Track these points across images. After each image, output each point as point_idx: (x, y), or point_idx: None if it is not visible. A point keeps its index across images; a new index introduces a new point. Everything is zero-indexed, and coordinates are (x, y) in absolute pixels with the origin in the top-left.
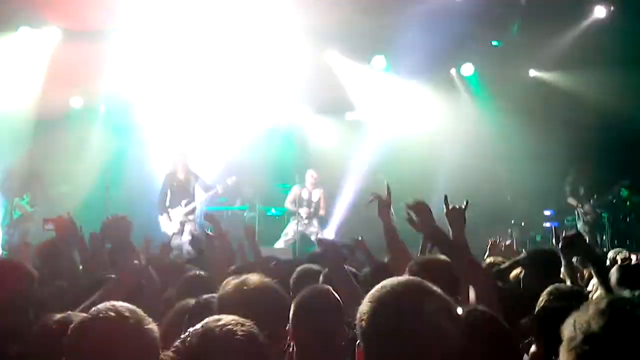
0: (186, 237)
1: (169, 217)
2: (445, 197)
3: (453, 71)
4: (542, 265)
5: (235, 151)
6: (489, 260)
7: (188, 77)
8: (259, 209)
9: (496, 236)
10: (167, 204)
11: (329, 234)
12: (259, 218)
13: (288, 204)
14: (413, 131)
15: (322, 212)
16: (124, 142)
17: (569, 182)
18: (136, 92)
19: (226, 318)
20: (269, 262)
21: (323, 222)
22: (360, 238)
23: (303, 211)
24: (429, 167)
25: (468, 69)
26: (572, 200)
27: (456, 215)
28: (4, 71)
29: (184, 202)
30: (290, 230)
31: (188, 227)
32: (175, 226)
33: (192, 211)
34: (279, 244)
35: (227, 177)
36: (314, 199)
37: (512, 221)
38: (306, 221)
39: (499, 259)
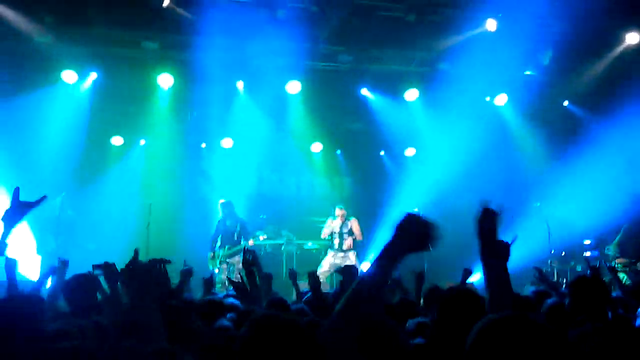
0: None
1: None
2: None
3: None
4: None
5: (271, 185)
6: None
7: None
8: (296, 242)
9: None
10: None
11: (366, 266)
12: (296, 251)
13: (323, 237)
14: (449, 163)
15: (357, 237)
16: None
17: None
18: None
19: None
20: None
21: (360, 254)
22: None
23: (335, 242)
24: (465, 199)
25: (502, 98)
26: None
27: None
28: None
29: (226, 246)
30: (326, 263)
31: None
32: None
33: (234, 254)
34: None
35: (260, 213)
36: (345, 229)
37: (552, 251)
38: (342, 254)
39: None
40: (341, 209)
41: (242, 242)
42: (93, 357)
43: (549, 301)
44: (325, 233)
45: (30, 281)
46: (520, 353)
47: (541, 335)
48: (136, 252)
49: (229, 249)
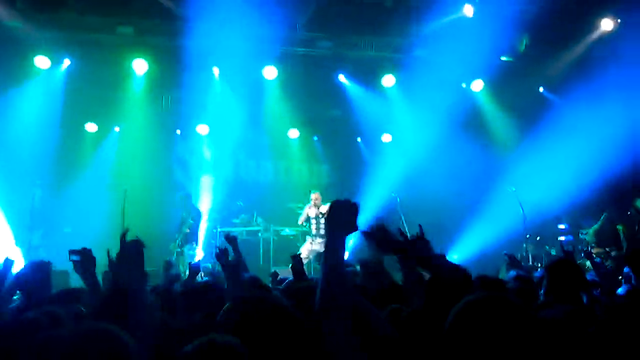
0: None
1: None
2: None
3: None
4: None
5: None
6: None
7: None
8: (272, 229)
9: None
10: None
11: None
12: (273, 238)
13: (300, 223)
14: (425, 149)
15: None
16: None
17: (595, 232)
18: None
19: None
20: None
21: None
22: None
23: (313, 228)
24: (441, 185)
25: (478, 84)
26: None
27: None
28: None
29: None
30: (305, 250)
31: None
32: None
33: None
34: None
35: (237, 199)
36: (321, 216)
37: (527, 236)
38: (320, 239)
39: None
40: (315, 193)
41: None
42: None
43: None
44: (301, 219)
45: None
46: (495, 331)
47: (513, 314)
48: (124, 233)
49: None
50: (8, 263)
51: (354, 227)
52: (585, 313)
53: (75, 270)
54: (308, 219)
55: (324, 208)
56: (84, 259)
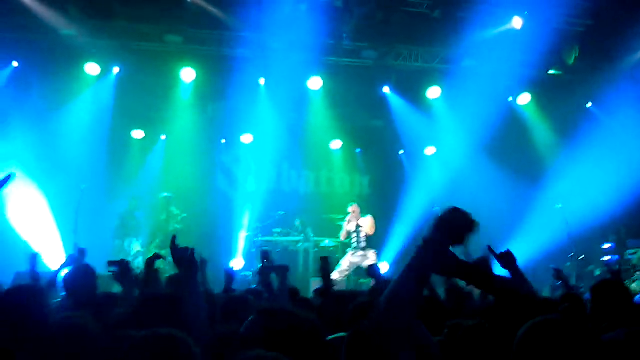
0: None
1: None
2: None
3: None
4: None
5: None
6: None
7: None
8: (312, 240)
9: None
10: None
11: (384, 266)
12: (313, 249)
13: (342, 239)
14: (469, 163)
15: (367, 231)
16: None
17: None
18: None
19: None
20: None
21: (379, 253)
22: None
23: (353, 240)
24: (484, 199)
25: (524, 98)
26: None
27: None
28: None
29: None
30: (345, 262)
31: None
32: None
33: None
34: (334, 276)
35: (278, 209)
36: (360, 228)
37: (571, 254)
38: (361, 252)
39: None
40: (353, 205)
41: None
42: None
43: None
44: (343, 235)
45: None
46: (563, 354)
47: (581, 337)
48: (174, 238)
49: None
50: (34, 259)
51: (460, 242)
52: None
53: (114, 278)
54: (349, 233)
55: (364, 221)
56: (121, 270)
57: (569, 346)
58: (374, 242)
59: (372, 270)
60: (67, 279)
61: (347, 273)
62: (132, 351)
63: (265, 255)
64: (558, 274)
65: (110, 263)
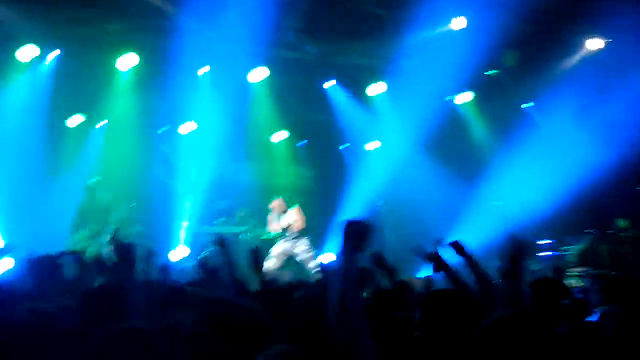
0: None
1: None
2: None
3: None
4: None
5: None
6: None
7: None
8: (257, 232)
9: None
10: None
11: (330, 256)
12: (253, 240)
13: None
14: (409, 159)
15: (296, 225)
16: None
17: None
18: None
19: None
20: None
21: (319, 245)
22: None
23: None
24: (424, 194)
25: (463, 97)
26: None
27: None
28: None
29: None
30: (275, 250)
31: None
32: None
33: None
34: (267, 265)
35: (219, 200)
36: (288, 220)
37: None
38: (293, 239)
39: None
40: (275, 201)
41: None
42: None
43: None
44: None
45: None
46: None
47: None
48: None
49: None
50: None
51: (368, 247)
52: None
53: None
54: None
55: (289, 216)
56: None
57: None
58: (316, 234)
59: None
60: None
61: (277, 262)
62: (103, 347)
63: (220, 242)
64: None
65: (63, 254)
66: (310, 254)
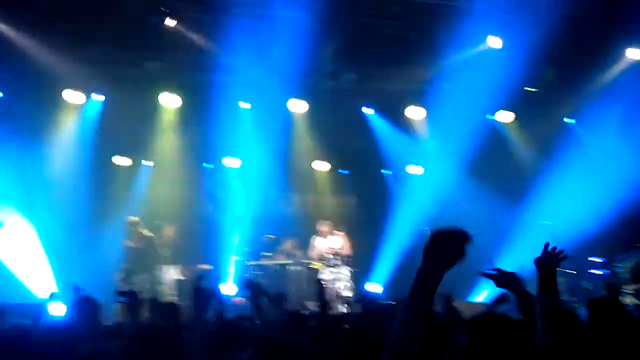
0: None
1: None
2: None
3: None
4: None
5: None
6: None
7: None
8: (303, 262)
9: None
10: None
11: (376, 288)
12: (303, 270)
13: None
14: (453, 182)
15: (344, 251)
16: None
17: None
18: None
19: None
20: None
21: (365, 274)
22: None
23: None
24: (470, 217)
25: (504, 115)
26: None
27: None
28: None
29: None
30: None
31: None
32: None
33: None
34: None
35: (266, 233)
36: (335, 245)
37: (563, 270)
38: (335, 269)
39: None
40: (323, 224)
41: None
42: None
43: None
44: (314, 256)
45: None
46: None
47: None
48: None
49: None
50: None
51: (460, 258)
52: None
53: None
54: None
55: (334, 240)
56: (131, 299)
57: None
58: (361, 262)
59: (364, 296)
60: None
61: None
62: None
63: (250, 285)
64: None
65: (120, 294)
66: (350, 283)
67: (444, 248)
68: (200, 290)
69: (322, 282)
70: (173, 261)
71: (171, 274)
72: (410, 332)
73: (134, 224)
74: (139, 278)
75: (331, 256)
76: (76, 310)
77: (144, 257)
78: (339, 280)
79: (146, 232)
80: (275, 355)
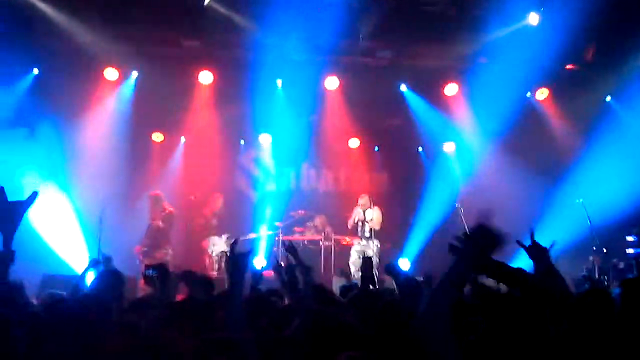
0: None
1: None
2: (532, 232)
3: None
4: None
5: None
6: None
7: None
8: (333, 238)
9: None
10: None
11: (405, 262)
12: (334, 247)
13: (349, 226)
14: (488, 159)
15: (373, 225)
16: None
17: None
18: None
19: None
20: None
21: (399, 249)
22: None
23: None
24: (504, 194)
25: (542, 93)
26: None
27: (540, 254)
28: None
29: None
30: (353, 252)
31: None
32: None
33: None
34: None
35: (298, 208)
36: (368, 217)
37: (594, 248)
38: (364, 242)
39: None
40: (363, 197)
41: None
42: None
43: None
44: (350, 223)
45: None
46: None
47: None
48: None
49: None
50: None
51: (485, 260)
52: None
53: (147, 282)
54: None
55: (371, 212)
56: (160, 272)
57: None
58: (391, 237)
59: (391, 268)
60: (94, 285)
61: (357, 262)
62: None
63: (290, 250)
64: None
65: (149, 267)
66: (376, 257)
67: (482, 243)
68: (237, 261)
69: (369, 258)
70: (219, 232)
71: (219, 246)
72: (438, 312)
73: (156, 199)
74: (161, 252)
75: (368, 227)
76: (101, 282)
77: (165, 232)
78: (372, 251)
79: (167, 207)
80: (318, 327)
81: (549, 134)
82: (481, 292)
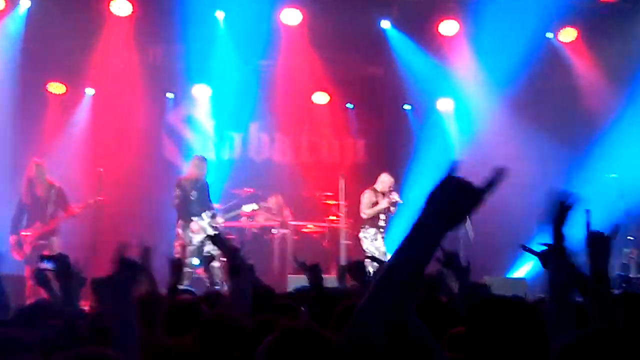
0: None
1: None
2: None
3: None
4: None
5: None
6: None
7: None
8: (292, 224)
9: None
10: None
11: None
12: (292, 236)
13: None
14: (496, 120)
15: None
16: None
17: None
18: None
19: None
20: None
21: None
22: None
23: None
24: (516, 167)
25: (568, 34)
26: None
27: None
28: None
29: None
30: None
31: None
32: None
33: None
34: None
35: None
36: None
37: (631, 237)
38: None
39: None
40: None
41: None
42: None
43: None
44: (370, 212)
45: None
46: None
47: None
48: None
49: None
50: None
51: (462, 219)
52: None
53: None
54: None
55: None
56: (60, 265)
57: None
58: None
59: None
60: None
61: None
62: None
63: (218, 242)
64: None
65: (44, 257)
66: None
67: (453, 200)
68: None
69: (316, 265)
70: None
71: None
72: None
73: (39, 169)
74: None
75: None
76: None
77: (44, 208)
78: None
79: (49, 180)
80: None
81: (574, 89)
82: (471, 296)
